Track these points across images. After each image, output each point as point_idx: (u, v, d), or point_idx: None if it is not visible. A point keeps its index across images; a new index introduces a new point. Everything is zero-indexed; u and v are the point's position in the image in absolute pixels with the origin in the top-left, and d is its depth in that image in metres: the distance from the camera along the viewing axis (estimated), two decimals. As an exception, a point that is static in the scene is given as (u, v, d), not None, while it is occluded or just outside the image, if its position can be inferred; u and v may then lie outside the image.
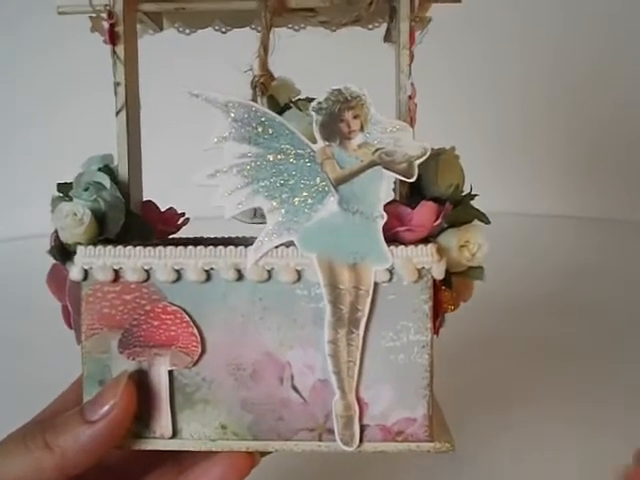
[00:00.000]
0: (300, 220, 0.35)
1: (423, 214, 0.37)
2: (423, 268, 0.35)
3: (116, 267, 0.36)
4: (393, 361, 0.36)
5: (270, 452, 0.39)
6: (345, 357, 0.35)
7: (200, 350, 0.36)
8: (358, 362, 0.35)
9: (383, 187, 0.35)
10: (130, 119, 0.42)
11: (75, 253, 0.37)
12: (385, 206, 0.36)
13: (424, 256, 0.35)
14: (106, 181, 0.40)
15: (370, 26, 0.51)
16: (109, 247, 0.36)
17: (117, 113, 0.42)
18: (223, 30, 0.53)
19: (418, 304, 0.36)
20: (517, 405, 0.45)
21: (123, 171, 0.41)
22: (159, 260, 0.36)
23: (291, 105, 0.45)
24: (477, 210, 0.40)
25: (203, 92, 0.35)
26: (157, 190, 0.47)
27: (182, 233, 0.47)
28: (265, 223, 0.36)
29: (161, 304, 0.36)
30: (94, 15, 0.41)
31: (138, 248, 0.36)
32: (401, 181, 0.39)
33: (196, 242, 0.37)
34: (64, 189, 0.41)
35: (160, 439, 0.37)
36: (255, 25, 0.50)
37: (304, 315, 0.36)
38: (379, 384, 0.36)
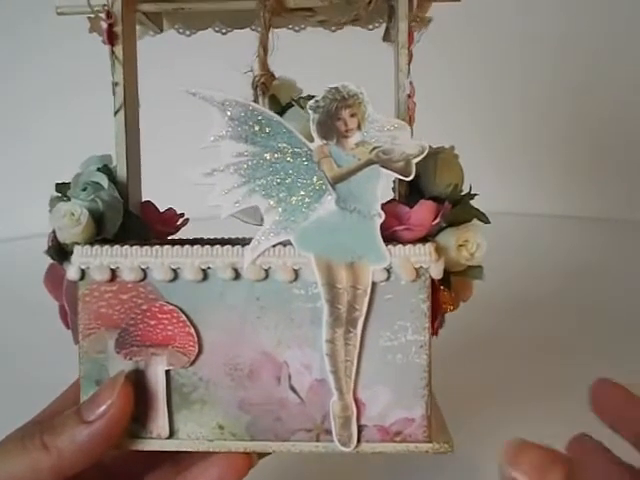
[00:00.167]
0: (297, 219, 0.35)
1: (421, 213, 0.37)
2: (421, 267, 0.35)
3: (113, 266, 0.36)
4: (391, 361, 0.35)
5: (269, 453, 0.39)
6: (342, 357, 0.35)
7: (197, 350, 0.36)
8: (355, 362, 0.35)
9: (380, 186, 0.35)
10: (128, 119, 0.42)
11: (72, 253, 0.37)
12: (383, 205, 0.36)
13: (422, 255, 0.35)
14: (104, 181, 0.40)
15: (370, 26, 0.51)
16: (106, 247, 0.36)
17: (115, 113, 0.42)
18: (223, 31, 0.53)
19: (416, 304, 0.35)
20: (517, 405, 0.45)
21: (121, 171, 0.41)
22: (156, 259, 0.36)
23: (293, 104, 0.45)
24: (477, 210, 0.40)
25: (200, 91, 0.35)
26: (159, 191, 0.47)
27: (183, 234, 0.47)
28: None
29: (158, 303, 0.36)
30: (93, 15, 0.41)
31: (135, 247, 0.36)
32: (400, 180, 0.39)
33: (194, 242, 0.37)
34: (62, 189, 0.41)
35: (157, 439, 0.37)
36: (255, 26, 0.50)
37: (301, 314, 0.36)
38: (377, 384, 0.36)
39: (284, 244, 0.35)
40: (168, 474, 0.39)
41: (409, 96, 0.41)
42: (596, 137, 1.09)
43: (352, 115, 0.35)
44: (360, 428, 0.36)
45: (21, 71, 1.08)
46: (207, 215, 0.37)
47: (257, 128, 0.35)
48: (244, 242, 0.36)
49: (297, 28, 0.52)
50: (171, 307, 0.36)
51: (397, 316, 0.35)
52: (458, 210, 0.39)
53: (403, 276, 0.35)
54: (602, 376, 0.38)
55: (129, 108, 0.42)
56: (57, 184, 0.41)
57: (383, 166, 0.35)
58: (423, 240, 0.36)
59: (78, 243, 0.37)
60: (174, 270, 0.36)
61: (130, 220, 0.41)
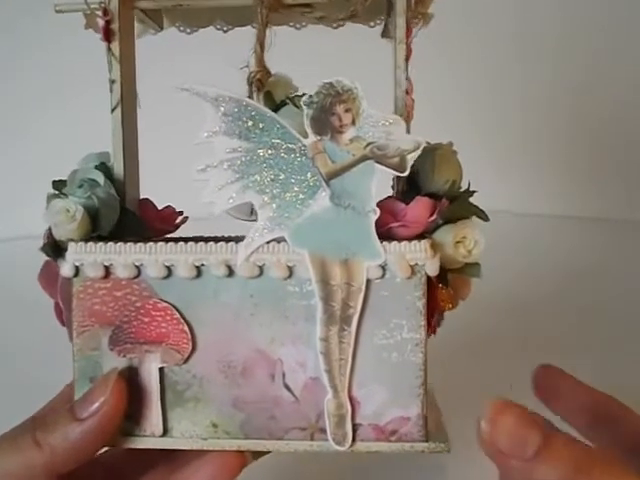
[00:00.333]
0: (291, 215, 0.35)
1: (417, 210, 0.36)
2: (416, 264, 0.35)
3: (107, 263, 0.36)
4: (386, 359, 0.35)
5: (264, 454, 0.39)
6: (337, 355, 0.35)
7: (191, 347, 0.36)
8: (350, 360, 0.35)
9: (375, 182, 0.35)
10: (126, 117, 0.42)
11: (67, 250, 0.37)
12: (380, 202, 0.36)
13: (417, 252, 0.35)
14: (100, 178, 0.40)
15: (372, 23, 0.51)
16: (100, 243, 0.36)
17: (112, 110, 0.42)
18: (224, 29, 0.53)
19: (411, 301, 0.35)
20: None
21: (118, 168, 0.41)
22: (149, 256, 0.36)
23: (287, 102, 0.44)
24: (476, 207, 0.39)
25: (193, 86, 0.35)
26: (160, 189, 0.47)
27: (183, 233, 0.46)
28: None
29: (151, 301, 0.36)
30: (89, 12, 0.41)
31: (129, 244, 0.36)
32: (398, 177, 0.38)
33: (188, 239, 0.37)
34: (59, 186, 0.41)
35: (150, 437, 0.36)
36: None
37: (296, 312, 0.35)
38: (372, 382, 0.35)
39: (278, 241, 0.35)
40: (163, 472, 0.38)
41: (407, 93, 0.41)
42: (596, 137, 1.09)
43: (346, 110, 0.35)
44: (355, 427, 0.35)
45: (21, 70, 1.09)
46: (208, 214, 0.37)
47: (251, 124, 0.35)
48: (239, 239, 0.36)
49: (298, 26, 0.52)
50: (165, 304, 0.36)
51: (392, 314, 0.35)
52: (456, 207, 0.38)
53: (398, 273, 0.35)
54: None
55: (126, 105, 0.42)
56: (54, 181, 0.41)
57: (378, 162, 0.34)
58: (419, 237, 0.36)
59: (73, 240, 0.37)
60: (168, 267, 0.36)
61: (127, 217, 0.41)
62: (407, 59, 0.41)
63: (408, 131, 0.39)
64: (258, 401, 0.36)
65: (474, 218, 0.39)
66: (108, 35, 0.41)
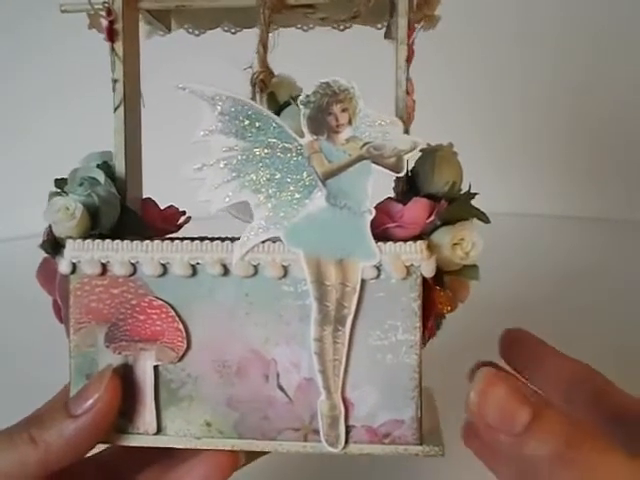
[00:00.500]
0: (287, 215, 0.35)
1: (415, 211, 0.36)
2: (412, 265, 0.34)
3: (103, 260, 0.36)
4: (380, 361, 0.35)
5: (261, 454, 0.38)
6: (331, 355, 0.35)
7: (185, 345, 0.36)
8: (344, 361, 0.35)
9: (371, 182, 0.34)
10: (128, 116, 0.42)
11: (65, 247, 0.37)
12: (378, 203, 0.36)
13: (413, 253, 0.34)
14: (100, 176, 0.40)
15: (379, 25, 0.51)
16: (97, 241, 0.36)
17: (115, 110, 0.42)
18: (232, 31, 0.53)
19: (407, 302, 0.35)
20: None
21: (120, 167, 0.41)
22: (145, 254, 0.36)
23: (291, 102, 0.44)
24: (476, 209, 0.39)
25: (190, 85, 0.35)
26: (166, 189, 0.47)
27: (185, 233, 0.47)
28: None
29: (147, 298, 0.36)
30: (92, 12, 0.41)
31: (125, 242, 0.36)
32: (397, 177, 0.38)
33: (185, 238, 0.37)
34: (61, 184, 0.41)
35: (144, 435, 0.36)
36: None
37: (290, 311, 0.35)
38: (366, 384, 0.35)
39: (273, 240, 0.35)
40: (157, 470, 0.38)
41: (408, 93, 0.40)
42: (596, 137, 1.08)
43: (343, 110, 0.34)
44: (348, 428, 0.35)
45: (21, 70, 1.09)
46: (211, 214, 0.37)
47: (247, 123, 0.35)
48: (235, 239, 0.36)
49: (305, 28, 0.52)
50: (160, 302, 0.36)
51: (387, 315, 0.35)
52: (455, 208, 0.38)
53: (393, 274, 0.34)
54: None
55: (129, 105, 0.42)
56: (56, 179, 0.41)
57: (374, 162, 0.34)
58: (416, 238, 0.36)
59: (72, 237, 0.37)
60: (163, 265, 0.36)
61: (127, 216, 0.41)
62: (409, 60, 0.41)
63: (408, 132, 0.39)
64: (252, 401, 0.36)
65: (474, 220, 0.38)
66: (111, 35, 0.41)
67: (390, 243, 0.34)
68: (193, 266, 0.35)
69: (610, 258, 0.89)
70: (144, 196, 0.45)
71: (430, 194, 0.38)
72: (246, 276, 0.35)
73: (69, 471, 0.35)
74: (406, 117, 0.40)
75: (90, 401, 0.34)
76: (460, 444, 0.38)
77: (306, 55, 0.65)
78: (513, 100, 1.08)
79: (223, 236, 0.45)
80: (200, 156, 0.36)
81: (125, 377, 0.36)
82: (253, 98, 0.42)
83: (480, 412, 0.30)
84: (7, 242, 0.97)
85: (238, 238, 0.35)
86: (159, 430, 0.36)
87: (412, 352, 0.35)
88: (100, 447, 0.37)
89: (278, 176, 0.35)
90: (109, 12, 0.41)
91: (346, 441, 0.35)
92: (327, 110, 0.34)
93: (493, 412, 0.30)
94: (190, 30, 0.53)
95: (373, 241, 0.34)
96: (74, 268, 0.36)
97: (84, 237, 0.37)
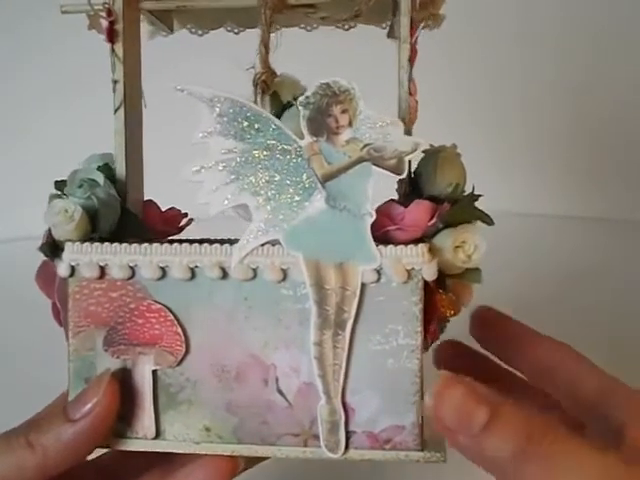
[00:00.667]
0: (286, 218, 0.34)
1: (416, 213, 0.36)
2: (413, 269, 0.34)
3: (102, 264, 0.36)
4: (381, 365, 0.34)
5: (261, 460, 0.38)
6: (331, 360, 0.34)
7: (184, 349, 0.35)
8: (344, 365, 0.34)
9: (371, 184, 0.34)
10: (129, 117, 0.42)
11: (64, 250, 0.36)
12: (380, 205, 0.35)
13: (414, 256, 0.34)
14: (100, 178, 0.39)
15: (383, 25, 0.50)
16: (96, 244, 0.36)
17: (115, 111, 0.42)
18: (235, 31, 0.53)
19: (408, 306, 0.34)
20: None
21: (120, 169, 0.41)
22: (144, 257, 0.35)
23: (293, 102, 0.44)
24: (480, 211, 0.38)
25: (188, 87, 0.35)
26: (168, 190, 0.47)
27: (187, 235, 0.46)
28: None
29: (146, 302, 0.36)
30: (92, 13, 0.41)
31: (124, 245, 0.36)
32: (400, 179, 0.38)
33: (184, 240, 0.37)
34: (61, 186, 0.41)
35: (143, 440, 0.36)
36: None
37: (290, 315, 0.35)
38: (366, 389, 0.34)
39: (273, 243, 0.35)
40: (156, 475, 0.38)
41: (411, 94, 0.40)
42: (598, 137, 1.07)
43: (343, 111, 0.34)
44: (348, 434, 0.35)
45: (21, 70, 1.09)
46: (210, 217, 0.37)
47: (246, 124, 0.35)
48: (234, 241, 0.35)
49: (309, 28, 0.51)
50: (159, 306, 0.36)
51: (388, 319, 0.34)
52: (458, 210, 0.37)
53: (394, 277, 0.34)
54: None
55: (130, 106, 0.42)
56: (56, 181, 0.41)
57: (375, 164, 0.34)
58: (417, 241, 0.35)
59: (71, 240, 0.37)
60: (162, 268, 0.35)
61: (128, 219, 0.40)
62: (411, 60, 0.40)
63: (411, 132, 0.38)
64: (251, 405, 0.35)
65: (477, 222, 0.38)
66: (112, 36, 0.41)
67: (391, 246, 0.34)
68: (192, 269, 0.35)
69: (612, 258, 0.89)
70: (145, 198, 0.45)
71: (433, 196, 0.38)
72: (245, 279, 0.35)
73: (68, 475, 0.35)
74: (409, 118, 0.39)
75: (88, 405, 0.34)
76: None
77: (308, 55, 0.65)
78: (515, 100, 1.07)
79: (223, 238, 0.45)
80: (200, 157, 0.36)
81: (124, 381, 0.36)
82: (255, 99, 0.42)
83: (437, 415, 0.30)
84: (7, 243, 0.97)
85: (238, 240, 0.35)
86: (158, 434, 0.36)
87: (413, 357, 0.34)
88: (99, 451, 0.37)
89: (277, 178, 0.35)
90: (109, 13, 0.41)
91: (346, 447, 0.35)
92: (327, 111, 0.34)
93: (450, 414, 0.29)
94: (193, 30, 0.52)
95: (373, 244, 0.34)
96: (73, 271, 0.36)
97: (83, 240, 0.37)
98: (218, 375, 0.35)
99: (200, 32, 0.52)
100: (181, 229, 0.47)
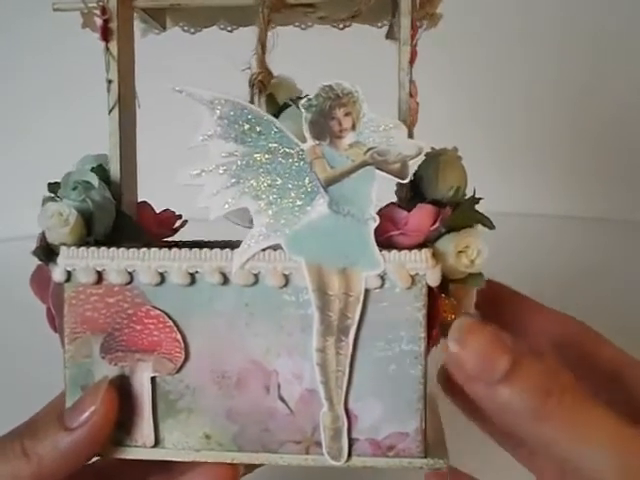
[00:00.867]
0: (288, 222, 0.34)
1: (419, 218, 0.35)
2: (417, 274, 0.33)
3: (99, 269, 0.35)
4: (384, 372, 0.34)
5: (257, 466, 0.38)
6: (334, 366, 0.34)
7: (184, 356, 0.35)
8: (347, 372, 0.34)
9: (375, 188, 0.33)
10: (123, 117, 0.41)
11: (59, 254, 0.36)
12: (381, 209, 0.35)
13: (418, 262, 0.33)
14: (94, 180, 0.39)
15: (379, 24, 0.50)
16: (92, 248, 0.35)
17: (110, 111, 0.41)
18: (229, 29, 0.52)
19: (411, 312, 0.34)
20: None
21: (115, 171, 0.40)
22: (142, 262, 0.35)
23: (290, 104, 0.43)
24: (481, 214, 0.38)
25: (187, 88, 0.34)
26: (161, 192, 0.46)
27: (183, 236, 0.45)
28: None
29: (144, 308, 0.35)
30: (86, 11, 0.40)
31: (121, 250, 0.35)
32: (400, 183, 0.37)
33: (183, 245, 0.36)
34: (54, 189, 0.40)
35: (142, 448, 0.35)
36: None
37: (292, 321, 0.34)
38: (369, 396, 0.34)
39: (274, 248, 0.34)
40: None
41: (411, 96, 0.39)
42: (600, 137, 1.08)
43: (346, 114, 0.33)
44: (351, 441, 0.34)
45: (21, 70, 1.08)
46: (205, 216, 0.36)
47: (247, 127, 0.34)
48: (234, 245, 0.35)
49: (303, 26, 0.51)
50: (158, 312, 0.35)
51: (392, 325, 0.34)
52: (460, 214, 0.37)
53: (398, 283, 0.33)
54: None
55: (124, 106, 0.41)
56: (49, 184, 0.40)
57: (378, 168, 0.33)
58: (421, 246, 0.35)
59: (66, 244, 0.36)
60: (161, 274, 0.35)
61: (123, 221, 0.40)
62: (412, 61, 0.40)
63: (412, 134, 0.38)
64: (252, 413, 0.35)
65: (479, 226, 0.37)
66: (106, 34, 0.40)
67: (394, 251, 0.33)
68: (192, 275, 0.34)
69: (613, 258, 0.89)
70: (139, 199, 0.44)
71: (435, 200, 0.37)
72: (246, 285, 0.34)
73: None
74: (409, 120, 0.39)
75: (86, 414, 0.34)
76: (466, 454, 0.38)
77: (306, 55, 0.64)
78: (516, 100, 1.07)
79: (223, 240, 0.44)
80: (196, 158, 0.35)
81: (122, 389, 0.35)
82: (252, 99, 0.41)
83: (459, 361, 0.29)
84: (7, 242, 0.96)
85: (238, 243, 0.34)
86: (157, 442, 0.35)
87: (417, 363, 0.34)
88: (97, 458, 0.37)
89: (279, 182, 0.34)
90: (103, 11, 0.40)
91: (349, 454, 0.34)
92: (330, 114, 0.33)
93: (473, 360, 0.28)
94: (185, 28, 0.51)
95: (377, 249, 0.33)
96: (69, 276, 0.35)
97: (79, 244, 0.36)
98: (218, 382, 0.35)
99: (193, 30, 0.52)
100: (175, 231, 0.46)
